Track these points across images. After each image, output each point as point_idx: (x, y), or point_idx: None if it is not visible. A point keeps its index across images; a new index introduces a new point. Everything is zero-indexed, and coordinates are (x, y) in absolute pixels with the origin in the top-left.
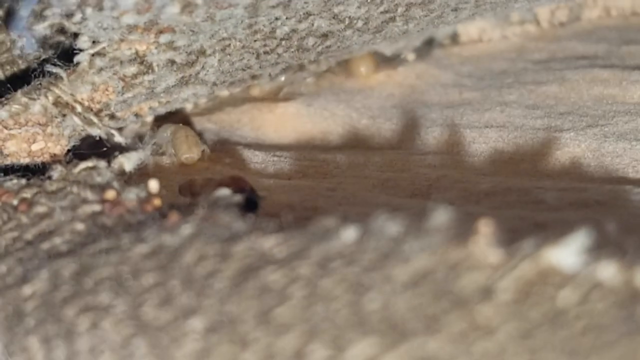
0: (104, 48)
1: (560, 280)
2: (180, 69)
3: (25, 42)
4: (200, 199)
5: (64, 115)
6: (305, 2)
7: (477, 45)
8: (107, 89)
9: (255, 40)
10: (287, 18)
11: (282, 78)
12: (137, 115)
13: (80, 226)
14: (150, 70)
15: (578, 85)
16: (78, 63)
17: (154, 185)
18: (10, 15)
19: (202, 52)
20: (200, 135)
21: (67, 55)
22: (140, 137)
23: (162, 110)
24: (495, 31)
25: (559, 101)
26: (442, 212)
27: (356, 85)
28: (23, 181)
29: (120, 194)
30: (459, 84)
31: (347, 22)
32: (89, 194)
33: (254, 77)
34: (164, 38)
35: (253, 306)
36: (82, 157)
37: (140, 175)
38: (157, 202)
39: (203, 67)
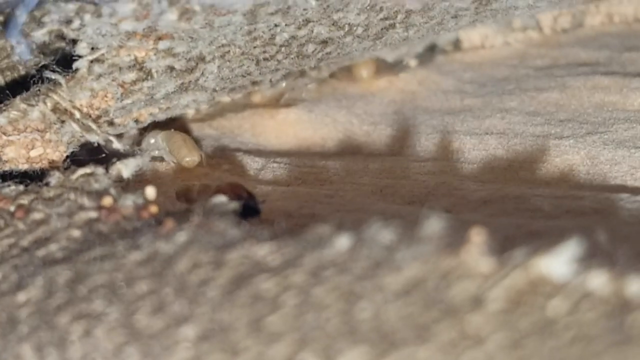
0: (102, 54)
1: (550, 290)
2: (180, 76)
3: (21, 49)
4: (196, 206)
5: (63, 122)
6: (304, 9)
7: (479, 52)
8: (106, 96)
9: (254, 47)
10: (286, 25)
11: (283, 84)
12: (137, 121)
13: (76, 233)
14: (149, 77)
15: (579, 92)
16: (77, 69)
17: (150, 191)
18: (8, 21)
19: (201, 59)
20: (196, 140)
21: (67, 62)
22: (138, 144)
23: (162, 117)
24: (498, 37)
25: (560, 108)
26: (434, 220)
27: (358, 91)
28: (21, 187)
29: (117, 201)
30: (460, 91)
31: (346, 28)
32: (86, 201)
33: (254, 83)
34: (162, 45)
35: (245, 314)
36: (81, 164)
37: (138, 181)
38: (153, 208)
39: (203, 73)
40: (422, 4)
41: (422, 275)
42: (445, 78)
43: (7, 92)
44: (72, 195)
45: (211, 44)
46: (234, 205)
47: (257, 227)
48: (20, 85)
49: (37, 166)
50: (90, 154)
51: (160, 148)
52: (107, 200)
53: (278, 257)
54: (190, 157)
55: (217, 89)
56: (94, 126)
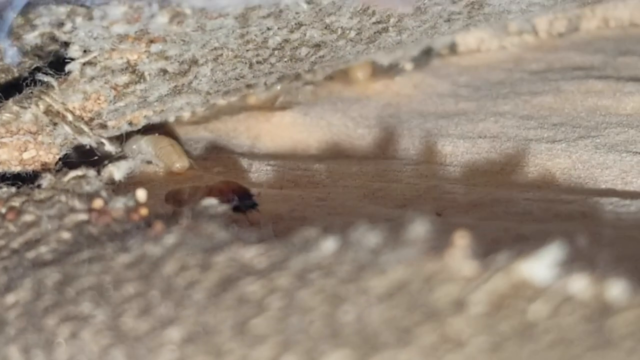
0: (95, 57)
1: (532, 294)
2: (173, 78)
3: (12, 52)
4: (185, 209)
5: (55, 124)
6: (297, 13)
7: (475, 55)
8: (98, 98)
9: (247, 50)
10: (278, 28)
11: (278, 87)
12: (131, 123)
13: (66, 235)
14: (142, 80)
15: (573, 96)
16: (69, 72)
17: (141, 194)
18: None
19: (194, 62)
20: (184, 144)
21: (60, 64)
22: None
23: (156, 119)
24: (494, 41)
25: (553, 112)
26: (419, 224)
27: (353, 95)
28: (13, 189)
29: (107, 203)
30: (455, 94)
31: (339, 32)
32: (77, 203)
33: (249, 86)
34: (155, 47)
35: (230, 317)
36: (74, 166)
37: (130, 184)
38: (144, 211)
39: (196, 76)
40: (413, 8)
41: (406, 279)
42: (441, 81)
43: (0, 94)
44: (63, 198)
45: (204, 47)
46: (224, 207)
47: (245, 230)
48: (13, 88)
49: (29, 168)
50: (85, 156)
51: (145, 153)
52: (97, 203)
53: (264, 259)
54: (181, 163)
55: (210, 91)
56: (86, 129)
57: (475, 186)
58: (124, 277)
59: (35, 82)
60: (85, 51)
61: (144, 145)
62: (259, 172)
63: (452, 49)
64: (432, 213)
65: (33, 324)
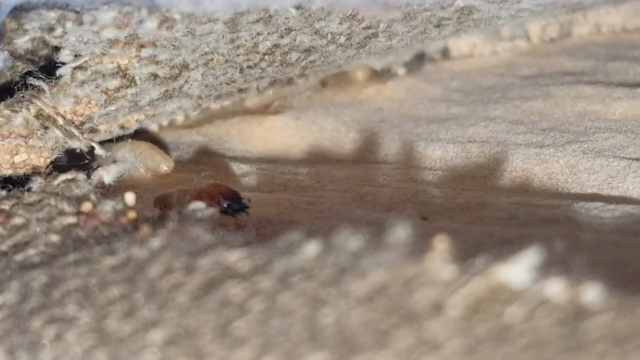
0: (86, 62)
1: (508, 297)
2: (164, 83)
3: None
4: (172, 212)
5: (46, 128)
6: (287, 18)
7: (467, 61)
8: (90, 102)
9: (238, 55)
10: (269, 34)
11: (270, 92)
12: (123, 127)
13: (54, 238)
14: (133, 84)
15: (563, 102)
16: (61, 76)
17: (130, 198)
18: None
19: (185, 67)
20: (165, 148)
21: (52, 68)
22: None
23: (149, 123)
24: (486, 46)
25: (543, 117)
26: (401, 228)
27: (346, 99)
28: (3, 193)
29: (96, 207)
30: (447, 99)
31: (329, 37)
32: (66, 206)
33: (241, 90)
34: (145, 52)
35: (212, 320)
36: (65, 169)
37: (121, 187)
38: (132, 214)
39: (187, 81)
40: (403, 14)
41: (386, 282)
42: (433, 86)
43: None
44: (52, 201)
45: (194, 52)
46: (211, 211)
47: (231, 234)
48: (5, 92)
49: (21, 172)
50: (77, 160)
51: (127, 161)
52: (86, 206)
53: (248, 263)
54: (167, 164)
55: (202, 96)
56: (76, 133)
57: (463, 191)
58: (110, 279)
59: (27, 86)
60: (76, 56)
61: (125, 153)
62: (250, 176)
63: (445, 54)
64: (418, 217)
65: (19, 326)
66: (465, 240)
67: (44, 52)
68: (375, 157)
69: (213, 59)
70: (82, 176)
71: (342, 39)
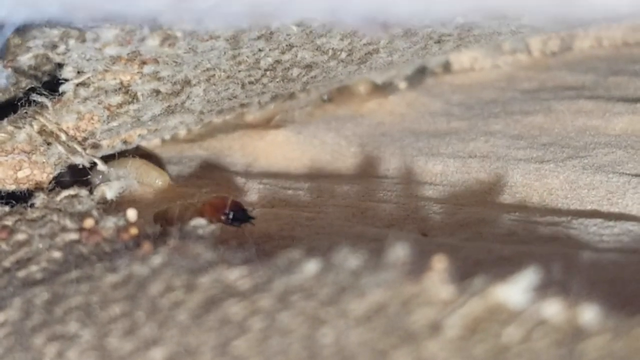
0: (88, 78)
1: (506, 317)
2: (166, 99)
3: (3, 74)
4: (173, 229)
5: (49, 144)
6: (288, 34)
7: (468, 74)
8: (92, 118)
9: (239, 71)
10: (270, 49)
11: (272, 106)
12: (125, 142)
13: (57, 254)
14: (135, 100)
15: (563, 116)
16: (63, 92)
17: (131, 214)
18: None
19: (187, 82)
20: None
21: (55, 84)
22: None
23: (151, 138)
24: (487, 60)
25: (544, 132)
26: (399, 247)
27: (347, 113)
28: (6, 208)
29: (98, 223)
30: (447, 113)
31: (330, 53)
32: (68, 222)
33: (243, 105)
34: (147, 69)
35: (212, 338)
36: (68, 185)
37: (122, 202)
38: (133, 230)
39: (189, 96)
40: (404, 30)
41: (384, 301)
42: (434, 100)
43: None
44: (55, 217)
45: (196, 68)
46: (212, 227)
47: (231, 251)
48: (9, 108)
49: (24, 187)
50: (80, 175)
51: (127, 177)
52: (88, 222)
53: (248, 281)
54: (162, 179)
55: (204, 111)
56: (79, 148)
57: (463, 206)
58: (111, 297)
59: (29, 102)
60: (78, 72)
61: (119, 170)
62: (251, 191)
63: (446, 67)
64: (418, 233)
65: (21, 342)
66: (464, 257)
67: (47, 67)
68: (376, 172)
69: (215, 74)
70: (84, 192)
71: (343, 55)
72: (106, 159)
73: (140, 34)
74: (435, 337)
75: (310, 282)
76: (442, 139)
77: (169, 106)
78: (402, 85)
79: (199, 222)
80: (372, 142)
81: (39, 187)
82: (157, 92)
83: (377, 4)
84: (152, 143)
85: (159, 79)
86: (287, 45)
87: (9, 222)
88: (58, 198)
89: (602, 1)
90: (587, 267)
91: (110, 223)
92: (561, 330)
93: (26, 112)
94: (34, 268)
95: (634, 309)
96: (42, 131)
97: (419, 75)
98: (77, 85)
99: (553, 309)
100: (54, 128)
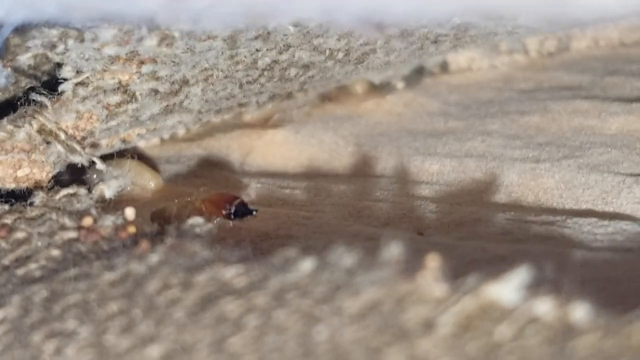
0: (87, 77)
1: (498, 315)
2: (164, 98)
3: (2, 74)
4: (171, 227)
5: (48, 143)
6: (285, 35)
7: (466, 74)
8: (91, 117)
9: (237, 71)
10: (267, 50)
11: (270, 106)
12: (124, 141)
13: (55, 252)
14: (133, 99)
15: (559, 116)
16: (62, 92)
17: (130, 212)
18: None
19: (185, 82)
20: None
21: (54, 83)
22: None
23: (150, 137)
24: (484, 60)
25: (540, 131)
26: (394, 246)
27: (345, 113)
28: (6, 207)
29: (97, 221)
30: (445, 113)
31: (327, 53)
32: (67, 221)
33: (241, 105)
34: (146, 68)
35: (208, 335)
36: (67, 183)
37: (121, 201)
38: (131, 229)
39: (187, 96)
40: (400, 30)
41: (379, 299)
42: (431, 100)
43: None
44: (54, 215)
45: (194, 68)
46: (209, 226)
47: (228, 250)
48: (9, 107)
49: (24, 185)
50: (78, 174)
51: (114, 177)
52: (87, 221)
53: (244, 279)
54: (155, 180)
55: (202, 110)
56: (77, 147)
57: (459, 205)
58: (109, 294)
59: (29, 101)
60: (77, 72)
61: (112, 171)
62: (248, 190)
63: (444, 67)
64: (414, 232)
65: (20, 340)
66: (459, 256)
67: (46, 67)
68: (373, 171)
69: (212, 74)
70: (83, 190)
71: (340, 55)
72: (104, 158)
73: (138, 34)
74: (428, 334)
75: (306, 280)
76: (439, 138)
77: (167, 106)
78: (400, 85)
79: (197, 220)
80: (370, 141)
81: (38, 186)
82: (156, 91)
83: (372, 4)
84: (151, 142)
85: (157, 79)
86: (284, 46)
87: (8, 220)
88: (57, 197)
89: (593, 1)
90: (580, 265)
91: (108, 221)
92: (552, 328)
93: (25, 111)
94: (33, 266)
95: (625, 308)
96: (41, 130)
97: (417, 75)
98: (76, 84)
99: (545, 307)
100: (53, 127)
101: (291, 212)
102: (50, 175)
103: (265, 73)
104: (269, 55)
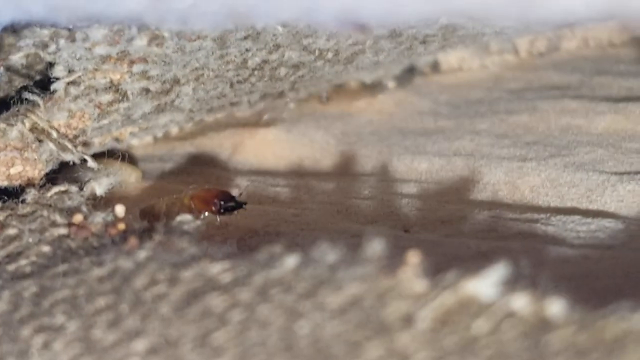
0: (79, 77)
1: (476, 310)
2: (156, 97)
3: None
4: (159, 224)
5: (40, 141)
6: (274, 35)
7: (456, 74)
8: (83, 116)
9: (227, 70)
10: (257, 49)
11: (261, 105)
12: (117, 140)
13: (46, 248)
14: (125, 98)
15: (547, 115)
16: (54, 91)
17: (120, 209)
18: None
19: (176, 81)
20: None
21: (47, 82)
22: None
23: (142, 135)
24: (475, 60)
25: (528, 131)
26: (377, 242)
27: (336, 112)
28: None
29: (87, 218)
30: (435, 112)
31: (317, 53)
32: (58, 217)
33: (233, 104)
34: (137, 68)
35: (193, 329)
36: (59, 181)
37: (111, 198)
38: (121, 226)
39: (178, 95)
40: (389, 31)
41: (360, 295)
42: (422, 100)
43: None
44: (45, 212)
45: (185, 67)
46: (197, 223)
47: (215, 246)
48: (2, 106)
49: (16, 183)
50: (71, 171)
51: (105, 175)
52: (77, 218)
53: (229, 275)
54: (136, 174)
55: (194, 109)
56: (69, 145)
57: (446, 203)
58: (97, 290)
59: (22, 100)
60: (69, 71)
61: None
62: (238, 188)
63: (435, 67)
64: (400, 229)
65: (9, 334)
66: (443, 252)
67: (39, 66)
68: (363, 170)
69: (203, 74)
70: (74, 188)
71: (330, 55)
72: (96, 157)
73: (129, 34)
74: (408, 329)
75: (289, 276)
76: (429, 137)
77: (158, 105)
78: (391, 84)
79: (185, 217)
80: (361, 140)
81: (30, 183)
82: (147, 90)
83: (348, 5)
84: (144, 140)
85: (148, 78)
86: (274, 46)
87: (0, 217)
88: (49, 194)
89: (560, 4)
90: (559, 262)
91: (98, 218)
92: (528, 323)
93: (18, 110)
94: (23, 262)
95: (600, 303)
96: (33, 129)
97: (408, 75)
98: (68, 83)
99: (521, 302)
100: (45, 126)
101: (280, 209)
102: (43, 173)
103: (256, 73)
104: (259, 55)
